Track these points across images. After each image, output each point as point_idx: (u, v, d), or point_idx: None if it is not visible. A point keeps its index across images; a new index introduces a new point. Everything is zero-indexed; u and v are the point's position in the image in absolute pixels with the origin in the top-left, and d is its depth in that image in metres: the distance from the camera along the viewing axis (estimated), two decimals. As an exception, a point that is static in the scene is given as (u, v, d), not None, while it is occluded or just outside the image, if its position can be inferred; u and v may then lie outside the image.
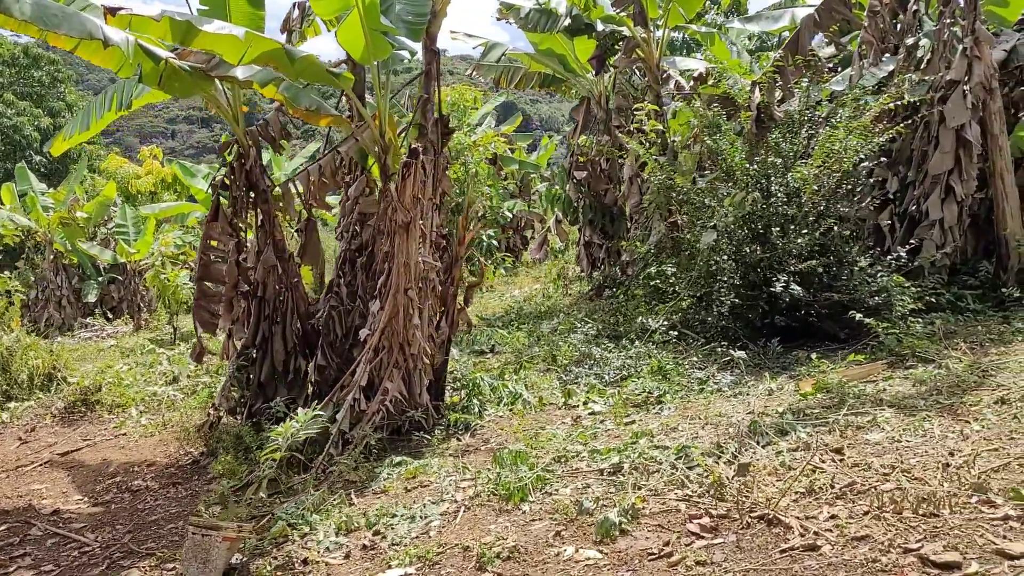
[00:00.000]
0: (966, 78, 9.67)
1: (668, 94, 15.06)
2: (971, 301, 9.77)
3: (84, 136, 9.38)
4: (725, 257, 9.35)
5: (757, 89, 10.17)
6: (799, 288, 8.51)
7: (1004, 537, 4.19)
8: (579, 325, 11.40)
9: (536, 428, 7.68)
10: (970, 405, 6.29)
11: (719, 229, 9.35)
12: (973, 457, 5.18)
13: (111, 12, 6.74)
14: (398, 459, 6.98)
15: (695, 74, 14.35)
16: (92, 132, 9.38)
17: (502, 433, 7.68)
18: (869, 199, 9.69)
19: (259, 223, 8.72)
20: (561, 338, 11.10)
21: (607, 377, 8.99)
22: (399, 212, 7.55)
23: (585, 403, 8.30)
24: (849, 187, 9.40)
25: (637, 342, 9.82)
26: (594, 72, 14.52)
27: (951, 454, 5.34)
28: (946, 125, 9.68)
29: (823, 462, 5.58)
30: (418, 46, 8.53)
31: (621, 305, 11.46)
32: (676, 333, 9.78)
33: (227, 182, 8.59)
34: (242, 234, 8.69)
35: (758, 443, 6.14)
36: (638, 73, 15.00)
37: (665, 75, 14.97)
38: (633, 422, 7.46)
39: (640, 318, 10.47)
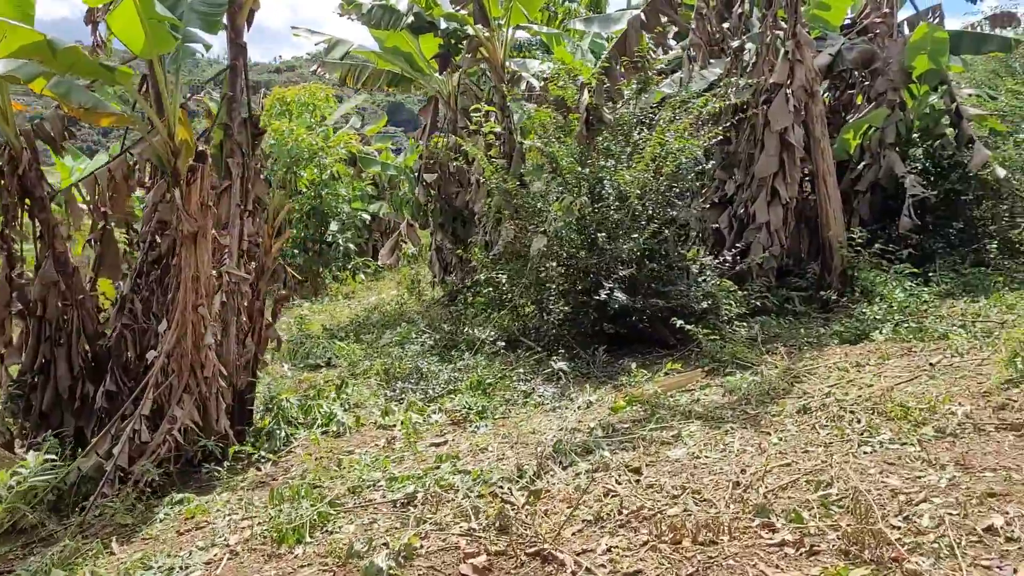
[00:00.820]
0: (788, 81, 9.73)
1: (520, 95, 14.79)
2: (797, 303, 9.84)
3: None
4: (555, 264, 9.07)
5: (585, 91, 9.95)
6: (623, 295, 8.29)
7: (777, 567, 3.97)
8: (417, 336, 10.91)
9: (344, 453, 7.16)
10: (773, 416, 6.16)
11: (549, 235, 9.05)
12: (763, 474, 4.98)
13: None
14: (180, 497, 6.30)
15: (544, 75, 14.10)
16: None
17: (307, 461, 7.09)
18: (696, 202, 9.61)
19: (38, 235, 7.83)
20: (398, 349, 10.58)
21: (431, 392, 8.54)
22: (185, 221, 6.86)
23: (403, 422, 7.82)
24: (679, 190, 9.28)
25: (467, 354, 9.41)
26: (439, 71, 14.05)
27: (743, 471, 5.14)
28: (770, 128, 9.71)
29: (619, 483, 5.29)
30: (216, 39, 7.85)
31: (460, 314, 11.04)
32: (504, 344, 9.43)
33: (-4, 189, 7.67)
34: (15, 247, 7.78)
35: (560, 464, 5.82)
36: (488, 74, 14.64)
37: (516, 76, 14.68)
38: (445, 442, 7.04)
39: (474, 328, 10.08)
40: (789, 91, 9.70)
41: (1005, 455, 4.86)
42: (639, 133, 9.21)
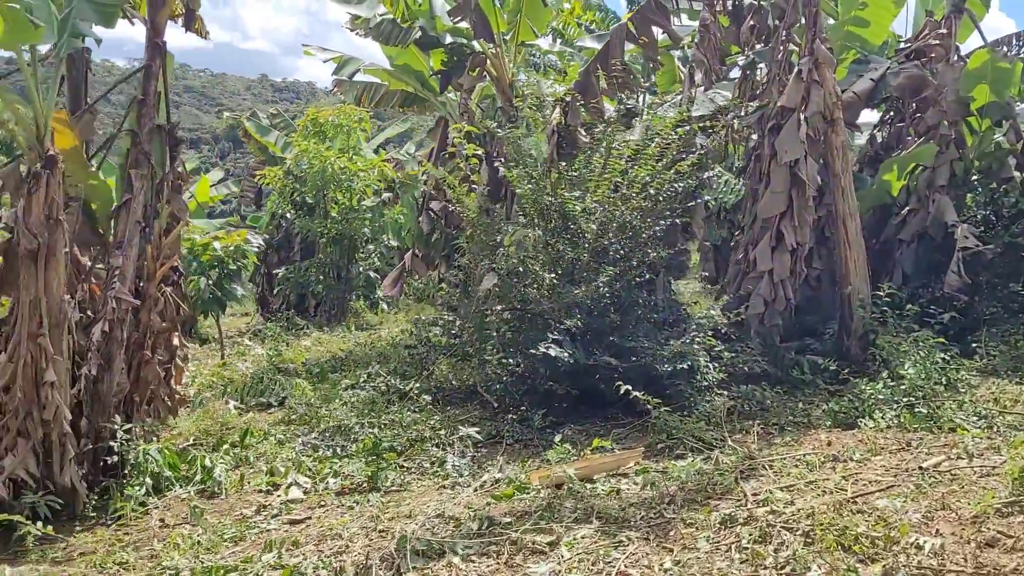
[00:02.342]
0: (803, 106, 8.18)
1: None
2: (804, 370, 8.20)
3: None
4: (499, 308, 7.74)
5: (558, 109, 8.65)
6: (566, 351, 6.87)
7: None
8: (372, 380, 9.68)
9: (193, 521, 5.99)
10: (689, 525, 4.67)
11: (500, 273, 7.74)
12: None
13: None
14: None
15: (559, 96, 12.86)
16: None
17: (151, 529, 5.94)
18: (667, 243, 8.09)
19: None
20: (349, 393, 9.36)
21: (341, 451, 7.29)
22: (22, 236, 5.87)
23: (289, 486, 6.60)
24: (658, 228, 7.85)
25: (395, 407, 8.15)
26: (439, 90, 12.97)
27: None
28: (777, 160, 8.17)
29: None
30: (104, 32, 6.94)
31: (421, 358, 9.72)
32: (429, 399, 8.12)
33: None
34: None
35: (399, 570, 4.49)
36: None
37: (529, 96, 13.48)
38: (307, 519, 5.79)
39: (428, 378, 8.81)
40: (803, 116, 8.15)
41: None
42: (602, 158, 7.79)
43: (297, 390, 10.17)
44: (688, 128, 8.32)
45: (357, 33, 13.58)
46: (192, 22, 8.56)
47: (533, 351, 6.98)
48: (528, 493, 5.53)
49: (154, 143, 7.70)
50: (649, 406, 6.42)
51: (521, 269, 7.58)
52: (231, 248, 14.38)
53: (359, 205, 20.19)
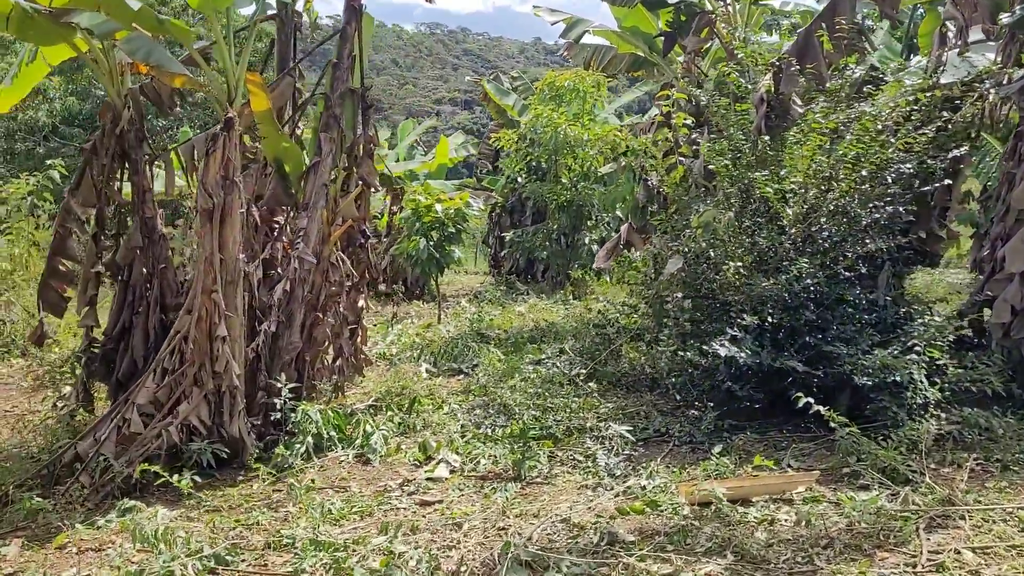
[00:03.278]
0: (1086, 71, 6.56)
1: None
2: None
3: (15, 94, 8.72)
4: (680, 295, 7.01)
5: (769, 75, 7.54)
6: (744, 352, 6.04)
7: None
8: (558, 358, 9.32)
9: (342, 486, 6.02)
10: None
11: (687, 256, 7.01)
12: None
13: None
14: (130, 505, 5.51)
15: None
16: (22, 89, 8.71)
17: (296, 490, 6.01)
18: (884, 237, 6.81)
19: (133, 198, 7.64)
20: (531, 369, 9.08)
21: (501, 431, 7.02)
22: (200, 195, 6.11)
23: (438, 463, 6.45)
24: (871, 213, 6.70)
25: (565, 388, 7.71)
26: (663, 52, 12.14)
27: None
28: (1044, 138, 6.64)
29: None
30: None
31: (607, 338, 9.16)
32: (595, 386, 7.55)
33: (97, 147, 7.56)
34: (108, 208, 7.64)
35: (491, 577, 4.14)
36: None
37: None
38: (437, 503, 5.59)
39: (617, 360, 8.28)
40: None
41: None
42: (812, 132, 6.66)
43: (487, 359, 10.08)
44: (931, 96, 7.01)
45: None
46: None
47: (707, 347, 6.23)
48: (664, 508, 4.91)
49: (345, 106, 7.80)
50: (834, 423, 5.49)
51: (711, 254, 6.81)
52: (451, 211, 14.62)
53: (590, 172, 19.92)
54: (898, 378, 6.11)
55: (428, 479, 6.12)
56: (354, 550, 4.60)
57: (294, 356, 7.11)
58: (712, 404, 6.89)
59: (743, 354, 5.99)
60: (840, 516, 4.68)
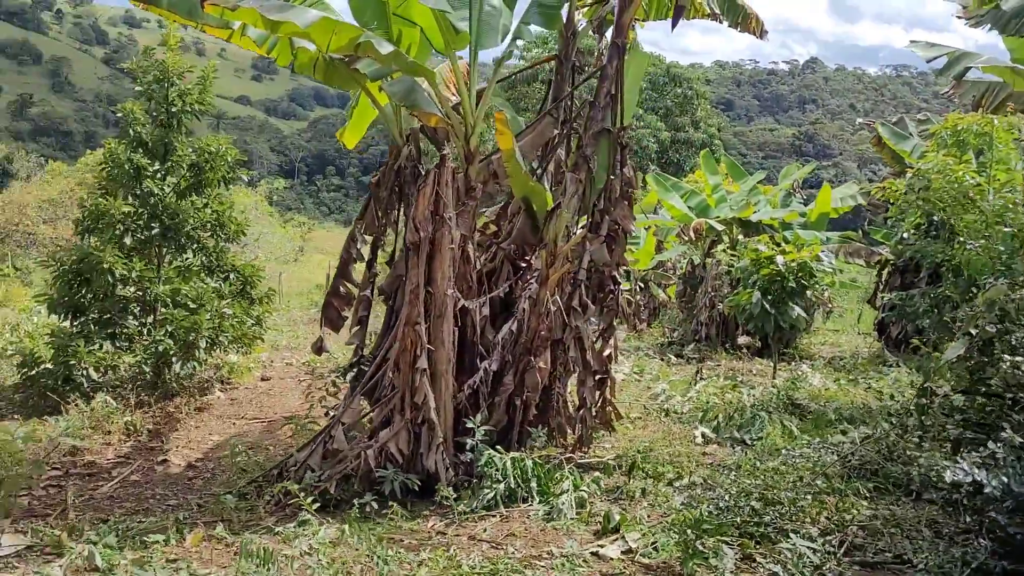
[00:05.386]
0: None
1: None
2: None
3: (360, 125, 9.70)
4: (948, 389, 5.34)
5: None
6: (999, 480, 4.38)
7: None
8: (841, 445, 7.74)
9: (497, 541, 5.66)
10: None
11: (973, 339, 5.36)
12: None
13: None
14: (305, 518, 5.76)
15: None
16: (360, 128, 9.78)
17: (463, 538, 5.78)
18: None
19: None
20: (808, 452, 7.69)
21: (709, 514, 6.01)
22: (408, 230, 6.23)
23: (616, 538, 5.74)
24: None
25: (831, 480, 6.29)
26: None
27: None
28: None
29: None
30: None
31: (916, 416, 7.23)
32: (864, 485, 5.96)
33: (380, 181, 8.19)
34: (385, 236, 8.21)
35: None
36: None
37: None
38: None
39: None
40: None
41: None
42: None
43: (771, 433, 8.90)
44: None
45: (967, 22, 11.10)
46: (678, 18, 7.98)
47: (959, 461, 4.66)
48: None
49: (600, 147, 7.45)
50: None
51: (995, 340, 5.13)
52: (794, 264, 13.32)
53: (994, 229, 16.78)
54: None
55: (592, 554, 5.48)
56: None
57: (504, 399, 6.90)
58: (990, 536, 5.15)
59: (993, 482, 4.37)
60: None
